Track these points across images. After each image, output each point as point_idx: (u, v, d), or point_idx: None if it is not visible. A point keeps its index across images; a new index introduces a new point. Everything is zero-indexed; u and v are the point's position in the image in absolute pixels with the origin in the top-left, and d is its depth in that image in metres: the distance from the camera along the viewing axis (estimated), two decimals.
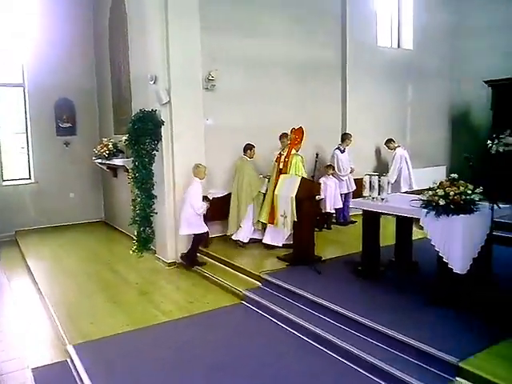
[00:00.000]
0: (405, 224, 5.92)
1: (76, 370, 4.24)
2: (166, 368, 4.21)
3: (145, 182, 7.10)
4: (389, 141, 9.37)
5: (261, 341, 4.72)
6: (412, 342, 3.93)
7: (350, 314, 4.58)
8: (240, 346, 4.61)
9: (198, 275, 6.90)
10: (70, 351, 4.55)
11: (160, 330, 5.08)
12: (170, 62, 7.02)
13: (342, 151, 8.72)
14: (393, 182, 8.71)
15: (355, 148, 9.09)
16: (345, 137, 8.89)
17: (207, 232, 7.24)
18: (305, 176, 6.68)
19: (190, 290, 6.39)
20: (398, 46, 10.89)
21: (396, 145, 9.32)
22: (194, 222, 6.91)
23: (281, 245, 6.99)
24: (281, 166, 7.03)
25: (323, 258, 6.47)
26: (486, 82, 10.10)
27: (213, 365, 4.23)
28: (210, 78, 7.53)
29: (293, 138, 6.91)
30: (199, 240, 7.12)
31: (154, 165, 7.20)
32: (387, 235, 6.05)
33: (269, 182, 7.29)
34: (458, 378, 3.53)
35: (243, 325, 5.20)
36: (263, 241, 7.15)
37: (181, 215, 6.97)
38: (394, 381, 3.70)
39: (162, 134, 7.15)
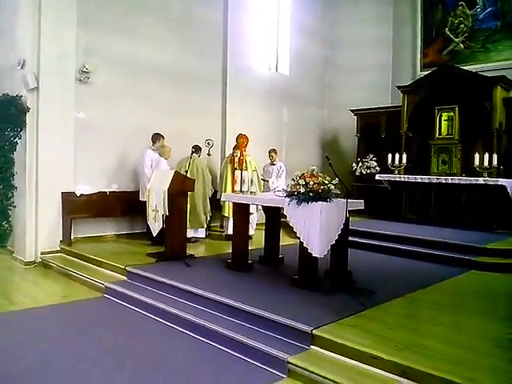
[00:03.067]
0: (273, 221, 6.21)
1: None
2: (6, 346, 3.77)
3: (3, 170, 6.50)
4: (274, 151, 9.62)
5: (120, 326, 4.52)
6: (269, 315, 4.03)
7: (213, 296, 4.57)
8: (98, 332, 4.33)
9: (60, 273, 6.42)
10: None
11: (6, 317, 4.63)
12: (41, 46, 6.70)
13: (272, 164, 8.84)
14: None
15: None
16: (270, 151, 8.94)
17: None
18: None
19: (48, 285, 5.91)
20: (276, 70, 11.59)
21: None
22: None
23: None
24: (236, 166, 7.66)
25: (195, 255, 6.45)
26: (352, 111, 11.21)
27: (59, 344, 3.90)
28: (85, 69, 7.25)
29: (242, 142, 7.82)
30: None
31: (15, 153, 6.63)
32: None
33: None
34: (312, 346, 3.70)
35: (103, 313, 4.92)
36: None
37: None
38: (254, 353, 3.74)
39: (27, 121, 6.66)
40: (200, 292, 4.71)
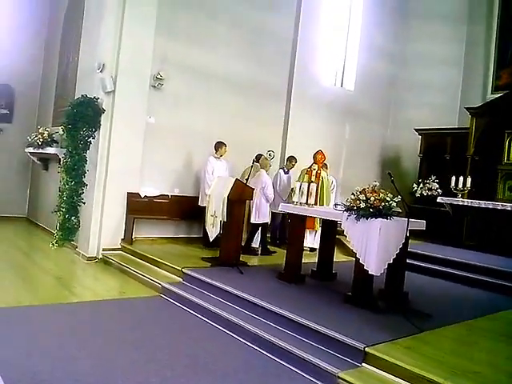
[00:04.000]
0: (329, 236, 6.18)
1: None
2: (67, 338, 4.00)
3: (76, 168, 6.92)
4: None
5: (175, 325, 4.66)
6: (321, 328, 4.01)
7: (266, 305, 4.59)
8: (154, 329, 4.48)
9: (119, 270, 6.69)
10: None
11: (70, 307, 4.88)
12: (121, 52, 7.10)
13: (286, 172, 8.86)
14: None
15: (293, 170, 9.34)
16: (290, 159, 9.04)
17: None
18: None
19: (107, 280, 6.18)
20: (341, 85, 11.58)
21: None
22: (264, 212, 7.43)
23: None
24: (312, 179, 7.91)
25: (248, 264, 6.52)
26: (416, 130, 10.94)
27: (118, 339, 4.08)
28: (159, 76, 7.61)
29: (320, 158, 8.24)
30: (265, 228, 7.74)
31: (88, 152, 7.05)
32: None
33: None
34: (364, 364, 3.64)
35: (159, 312, 5.08)
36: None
37: (253, 204, 7.49)
38: (303, 365, 3.73)
39: (102, 122, 7.07)
40: (253, 299, 4.75)
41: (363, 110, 11.51)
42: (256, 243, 7.76)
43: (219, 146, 7.77)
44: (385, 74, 11.98)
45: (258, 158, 7.96)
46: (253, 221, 7.58)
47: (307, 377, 3.63)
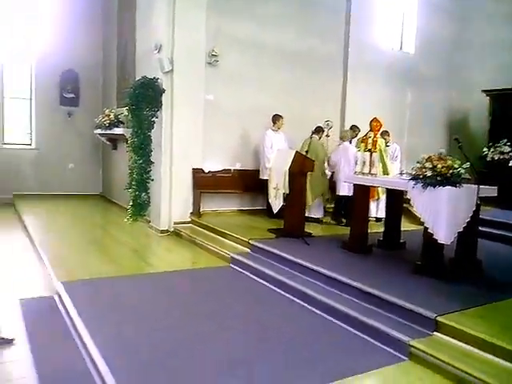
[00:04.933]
0: (395, 205, 6.10)
1: (62, 301, 4.35)
2: (148, 307, 4.32)
3: (143, 146, 7.24)
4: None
5: (246, 295, 4.87)
6: (392, 298, 4.04)
7: (335, 275, 4.67)
8: (226, 297, 4.72)
9: (190, 242, 7.02)
10: (57, 286, 4.65)
11: (146, 278, 5.23)
12: (175, 31, 7.24)
13: (350, 142, 8.71)
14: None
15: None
16: (354, 128, 8.84)
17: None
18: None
19: (180, 252, 6.53)
20: (400, 49, 11.09)
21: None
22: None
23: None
24: (369, 147, 7.36)
25: (313, 234, 6.60)
26: (484, 92, 10.33)
27: (193, 307, 4.34)
28: (214, 53, 7.71)
29: (375, 126, 7.47)
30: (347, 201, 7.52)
31: (152, 131, 7.35)
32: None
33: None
34: (435, 333, 3.65)
35: (230, 282, 5.34)
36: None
37: (339, 177, 7.58)
38: (375, 334, 3.79)
39: (163, 102, 7.30)
40: (321, 270, 4.84)
41: (425, 74, 11.01)
42: (319, 213, 7.80)
43: (276, 118, 7.80)
44: (447, 33, 11.32)
45: (318, 130, 7.90)
46: (341, 193, 7.64)
47: (379, 345, 3.70)
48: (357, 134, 8.49)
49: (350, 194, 7.19)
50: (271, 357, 3.42)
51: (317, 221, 7.73)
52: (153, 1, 7.65)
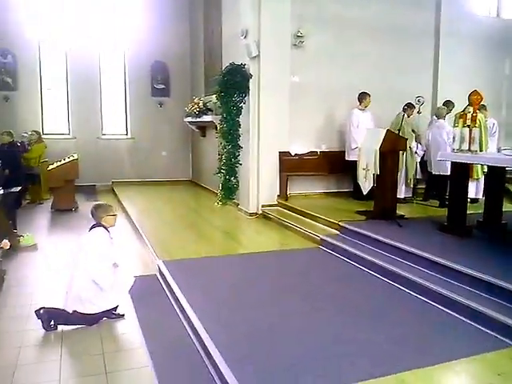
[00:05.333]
0: (496, 184, 5.69)
1: (165, 279, 4.65)
2: (242, 285, 4.48)
3: (232, 132, 7.44)
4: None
5: (338, 276, 4.85)
6: (497, 281, 3.80)
7: (436, 259, 4.45)
8: (318, 278, 4.75)
9: (278, 224, 7.12)
10: (160, 265, 4.98)
11: (239, 258, 5.43)
12: (261, 15, 7.28)
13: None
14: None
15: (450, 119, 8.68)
16: (447, 104, 8.32)
17: None
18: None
19: (269, 234, 6.66)
20: (497, 15, 10.19)
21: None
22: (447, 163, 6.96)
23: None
24: (468, 123, 6.93)
25: (405, 216, 6.38)
26: None
27: (286, 286, 4.43)
28: (299, 34, 7.64)
29: (476, 99, 7.01)
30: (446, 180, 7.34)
31: (240, 116, 7.50)
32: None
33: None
34: None
35: (319, 262, 5.36)
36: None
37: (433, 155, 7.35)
38: (481, 318, 3.59)
39: (250, 87, 7.41)
40: (419, 252, 4.66)
41: None
42: (401, 194, 7.48)
43: (363, 97, 7.58)
44: None
45: (409, 106, 7.56)
46: (435, 172, 7.42)
47: (487, 331, 3.48)
48: (451, 110, 8.02)
49: (446, 173, 6.91)
50: (374, 336, 3.38)
51: (400, 201, 7.40)
52: None
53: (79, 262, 3.86)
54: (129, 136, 11.32)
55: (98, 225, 3.97)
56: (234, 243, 6.17)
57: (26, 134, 9.58)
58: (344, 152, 7.87)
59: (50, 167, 8.74)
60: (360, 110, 7.62)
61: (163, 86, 11.36)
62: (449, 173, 6.82)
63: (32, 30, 10.28)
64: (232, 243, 6.16)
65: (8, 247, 5.22)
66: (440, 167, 7.25)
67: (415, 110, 7.99)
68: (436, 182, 7.57)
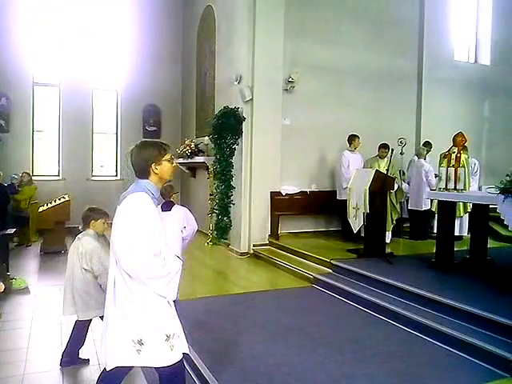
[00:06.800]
0: (480, 221, 5.92)
1: None
2: (244, 323, 4.52)
3: (225, 172, 7.63)
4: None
5: (335, 314, 4.94)
6: (487, 314, 3.96)
7: (423, 293, 4.65)
8: (314, 317, 4.82)
9: (269, 263, 7.21)
10: None
11: (237, 298, 5.46)
12: (255, 62, 7.66)
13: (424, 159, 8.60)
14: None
15: (432, 158, 9.04)
16: (426, 144, 8.70)
17: None
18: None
19: (261, 273, 6.73)
20: (475, 61, 10.84)
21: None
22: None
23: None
24: (452, 163, 7.20)
25: (394, 253, 6.55)
26: None
27: (285, 325, 4.49)
28: (290, 79, 8.00)
29: (460, 141, 7.44)
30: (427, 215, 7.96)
31: (233, 157, 7.72)
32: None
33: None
34: None
35: (314, 300, 5.44)
36: None
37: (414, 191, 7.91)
38: (471, 349, 3.74)
39: (243, 129, 7.68)
40: (410, 288, 4.83)
41: (503, 85, 10.66)
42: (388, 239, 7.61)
43: (352, 138, 7.90)
44: None
45: (383, 146, 7.82)
46: (413, 207, 7.87)
47: (478, 362, 3.62)
48: (429, 151, 8.41)
49: (421, 209, 7.62)
50: (373, 371, 3.47)
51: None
52: (232, 33, 8.21)
53: None
54: (118, 177, 11.40)
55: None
56: (229, 283, 6.19)
57: (16, 176, 9.59)
58: (333, 191, 8.10)
59: (41, 209, 8.72)
60: (350, 151, 7.91)
61: (155, 128, 11.59)
62: (424, 209, 7.66)
63: (26, 72, 10.49)
64: (227, 283, 6.19)
65: (2, 290, 5.17)
66: (417, 203, 7.73)
67: (398, 151, 8.32)
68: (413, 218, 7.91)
